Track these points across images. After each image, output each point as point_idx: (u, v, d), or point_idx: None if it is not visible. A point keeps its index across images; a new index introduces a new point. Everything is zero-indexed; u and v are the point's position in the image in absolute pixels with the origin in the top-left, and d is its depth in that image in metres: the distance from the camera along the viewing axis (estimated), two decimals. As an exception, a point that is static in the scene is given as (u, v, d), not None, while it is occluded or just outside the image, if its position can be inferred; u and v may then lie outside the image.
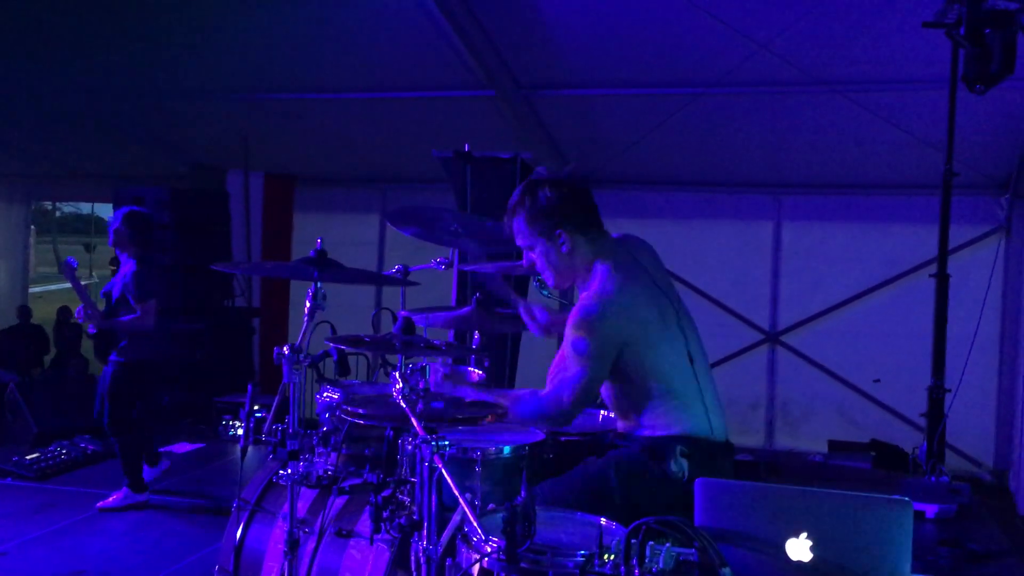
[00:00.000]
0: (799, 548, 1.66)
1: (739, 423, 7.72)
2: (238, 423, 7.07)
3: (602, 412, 3.22)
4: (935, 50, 5.59)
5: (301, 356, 2.46)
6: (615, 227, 2.97)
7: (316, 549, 2.77)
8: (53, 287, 21.34)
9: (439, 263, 3.26)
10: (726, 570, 1.63)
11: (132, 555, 4.86)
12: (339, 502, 2.83)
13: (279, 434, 2.52)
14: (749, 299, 7.76)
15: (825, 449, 7.21)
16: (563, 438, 2.92)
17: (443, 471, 1.99)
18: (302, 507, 2.85)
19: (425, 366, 2.31)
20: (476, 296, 3.11)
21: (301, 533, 2.66)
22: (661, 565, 1.73)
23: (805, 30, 5.94)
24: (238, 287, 8.44)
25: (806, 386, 7.70)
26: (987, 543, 4.95)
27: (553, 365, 2.92)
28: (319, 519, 2.81)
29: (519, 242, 2.85)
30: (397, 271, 3.27)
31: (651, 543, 1.79)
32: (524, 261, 2.90)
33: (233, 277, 8.26)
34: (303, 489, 2.75)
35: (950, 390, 5.74)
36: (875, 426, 7.27)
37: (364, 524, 2.75)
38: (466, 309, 3.15)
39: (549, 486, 2.61)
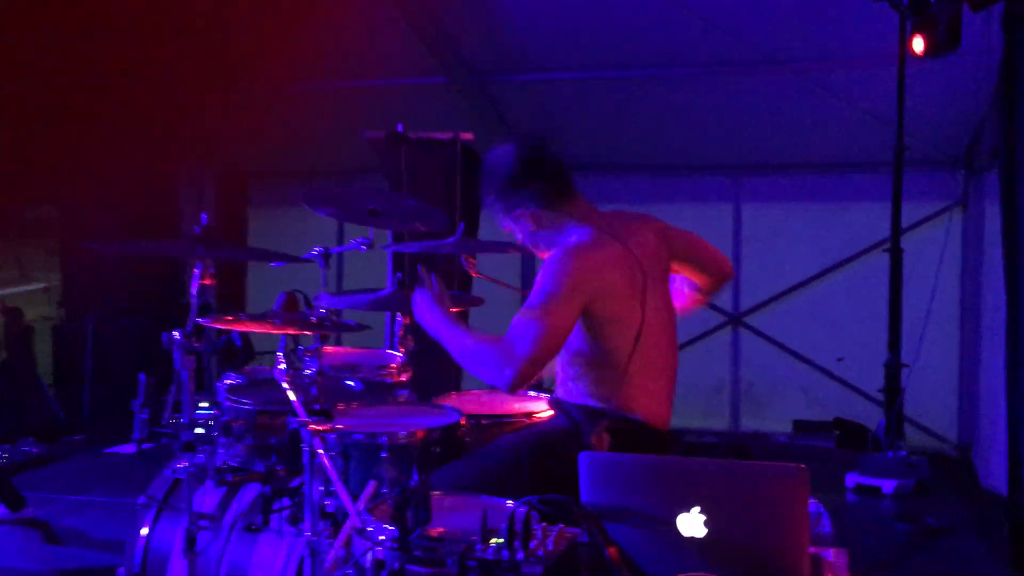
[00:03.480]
0: (692, 523, 1.55)
1: (704, 406, 7.65)
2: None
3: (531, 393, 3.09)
4: (886, 26, 5.54)
5: (194, 341, 2.32)
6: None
7: (225, 545, 2.64)
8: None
9: (359, 243, 3.12)
10: (611, 550, 1.52)
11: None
12: (248, 496, 2.70)
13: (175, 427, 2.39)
14: (710, 282, 7.67)
15: (790, 429, 7.18)
16: (485, 420, 2.79)
17: (323, 457, 1.86)
18: (211, 502, 2.72)
19: (319, 348, 2.18)
20: (397, 277, 2.97)
21: (203, 529, 2.52)
22: (550, 548, 1.61)
23: (757, 8, 5.88)
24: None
25: (770, 367, 7.62)
26: (946, 518, 4.88)
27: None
28: (229, 513, 2.68)
29: (494, 212, 2.77)
30: (317, 252, 3.13)
31: (543, 524, 1.68)
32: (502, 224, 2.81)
33: (182, 272, 8.07)
34: (210, 483, 2.62)
35: (908, 365, 5.67)
36: (839, 404, 7.22)
37: (274, 519, 2.62)
38: (386, 291, 3.02)
39: (457, 467, 2.47)
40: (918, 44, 5.11)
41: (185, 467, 2.41)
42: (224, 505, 2.73)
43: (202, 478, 2.40)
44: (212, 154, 8.34)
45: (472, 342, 2.49)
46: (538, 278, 2.51)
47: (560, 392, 2.75)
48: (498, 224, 2.80)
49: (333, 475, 1.84)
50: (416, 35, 6.34)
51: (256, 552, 2.63)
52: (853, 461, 5.61)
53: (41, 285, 10.70)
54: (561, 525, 1.69)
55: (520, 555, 1.60)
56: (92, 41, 6.56)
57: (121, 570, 2.79)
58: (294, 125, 7.75)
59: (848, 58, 6.19)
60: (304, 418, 1.93)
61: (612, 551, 1.51)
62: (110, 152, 8.71)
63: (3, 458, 6.14)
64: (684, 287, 3.05)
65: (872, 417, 6.56)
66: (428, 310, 2.61)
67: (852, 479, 5.47)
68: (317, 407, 2.09)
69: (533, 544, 1.63)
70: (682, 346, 7.60)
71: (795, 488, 1.53)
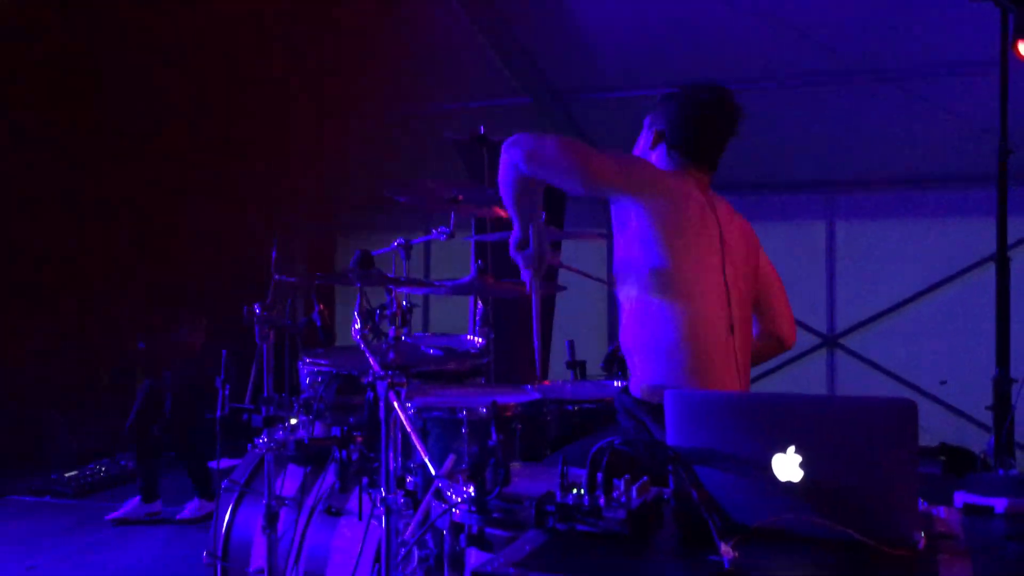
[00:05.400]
0: (787, 465, 1.43)
1: (798, 433, 7.38)
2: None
3: (616, 383, 2.99)
4: (985, 30, 5.32)
5: (274, 315, 2.30)
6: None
7: (306, 528, 2.60)
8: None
9: (440, 232, 3.09)
10: (700, 493, 1.42)
11: (160, 569, 4.76)
12: (329, 480, 2.66)
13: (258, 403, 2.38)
14: (804, 302, 7.42)
15: (891, 456, 6.84)
16: (569, 406, 2.70)
17: (399, 411, 1.81)
18: (291, 485, 2.69)
19: (398, 311, 2.13)
20: (477, 264, 2.93)
21: (284, 509, 2.49)
22: (634, 496, 1.52)
23: (845, 18, 5.73)
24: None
25: (868, 390, 7.31)
26: (1062, 539, 4.55)
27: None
28: (310, 496, 2.65)
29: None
30: (397, 244, 3.11)
31: (627, 476, 1.58)
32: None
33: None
34: (292, 467, 2.60)
35: (1017, 380, 5.36)
36: (944, 429, 6.85)
37: (355, 502, 2.57)
38: (467, 278, 2.98)
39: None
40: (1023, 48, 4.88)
41: (265, 443, 2.39)
42: (305, 488, 2.70)
43: (282, 452, 2.37)
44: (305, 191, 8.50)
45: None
46: None
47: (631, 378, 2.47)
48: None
49: (411, 431, 1.78)
50: (500, 58, 6.38)
51: (336, 535, 2.59)
52: (962, 481, 5.30)
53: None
54: (646, 478, 1.59)
55: (602, 501, 1.51)
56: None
57: (205, 553, 2.78)
58: (382, 150, 7.86)
59: (946, 66, 5.97)
60: (378, 371, 1.88)
61: (701, 495, 1.41)
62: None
63: (101, 471, 6.30)
64: None
65: (979, 443, 6.22)
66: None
67: (960, 498, 5.17)
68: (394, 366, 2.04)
69: (616, 494, 1.54)
70: (773, 370, 7.44)
71: (902, 426, 1.41)
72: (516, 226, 2.38)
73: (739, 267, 2.53)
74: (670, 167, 2.58)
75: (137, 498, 5.51)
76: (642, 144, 2.68)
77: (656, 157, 2.61)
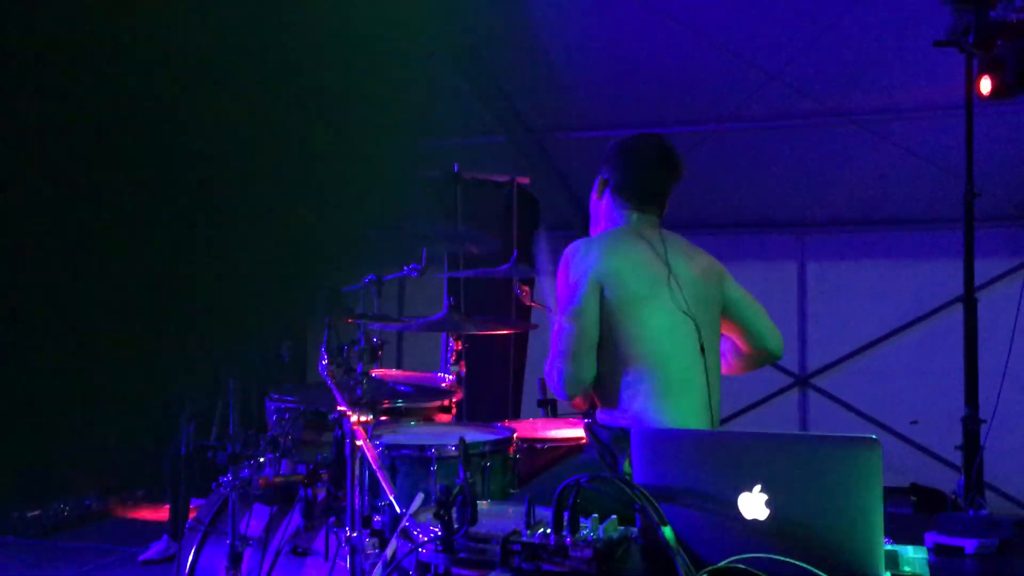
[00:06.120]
0: (753, 504, 1.43)
1: (770, 472, 7.37)
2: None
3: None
4: (950, 74, 5.43)
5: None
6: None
7: (271, 568, 2.56)
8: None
9: (411, 268, 3.08)
10: (666, 529, 1.40)
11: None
12: (296, 519, 2.62)
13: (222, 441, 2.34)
14: (776, 342, 7.47)
15: (863, 496, 6.84)
16: (539, 444, 2.69)
17: (366, 448, 1.79)
18: (257, 525, 2.65)
19: (366, 348, 2.12)
20: (449, 301, 2.93)
21: (250, 549, 2.44)
22: (600, 535, 1.50)
23: (816, 59, 5.83)
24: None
25: (840, 429, 7.32)
26: (1032, 580, 4.57)
27: None
28: (276, 536, 2.60)
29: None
30: (368, 280, 3.10)
31: (594, 515, 1.57)
32: None
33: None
34: (258, 506, 2.56)
35: (985, 420, 5.40)
36: (914, 469, 6.89)
37: (321, 542, 2.54)
38: (438, 315, 2.97)
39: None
40: (985, 85, 4.99)
41: (230, 481, 2.35)
42: (271, 528, 2.65)
43: (248, 490, 2.33)
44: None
45: None
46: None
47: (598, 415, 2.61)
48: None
49: (377, 468, 1.76)
50: (477, 96, 6.43)
51: (302, 575, 2.54)
52: (932, 521, 5.32)
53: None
54: (614, 516, 1.58)
55: (568, 539, 1.49)
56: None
57: (165, 594, 2.73)
58: (356, 185, 7.88)
59: (913, 107, 6.08)
60: (345, 407, 1.86)
61: (667, 533, 1.40)
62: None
63: (65, 510, 6.19)
64: (726, 352, 2.91)
65: (950, 483, 6.24)
66: None
67: (931, 539, 5.18)
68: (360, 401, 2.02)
69: (583, 532, 1.52)
70: (746, 409, 7.43)
71: (867, 464, 1.41)
72: None
73: (700, 294, 2.64)
74: (615, 213, 2.76)
75: (165, 537, 5.38)
76: (592, 197, 2.88)
77: (605, 204, 2.79)
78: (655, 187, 2.77)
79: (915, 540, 5.72)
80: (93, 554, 5.47)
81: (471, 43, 5.98)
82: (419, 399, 2.66)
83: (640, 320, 2.49)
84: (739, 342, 2.84)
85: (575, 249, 2.63)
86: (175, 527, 5.34)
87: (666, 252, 2.63)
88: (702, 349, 2.52)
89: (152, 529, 5.64)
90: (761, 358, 2.89)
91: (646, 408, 2.39)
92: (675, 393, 2.44)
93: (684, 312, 2.54)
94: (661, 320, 2.51)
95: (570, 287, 2.51)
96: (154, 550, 5.37)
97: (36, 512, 6.12)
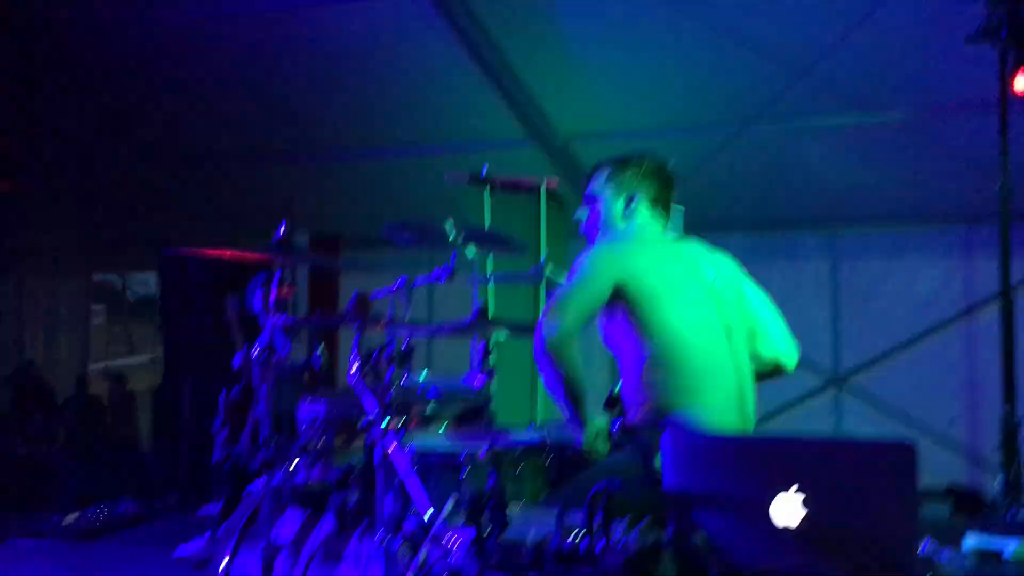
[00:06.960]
0: (787, 509, 1.41)
1: (804, 474, 7.30)
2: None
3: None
4: (984, 71, 5.35)
5: (272, 357, 2.30)
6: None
7: (304, 573, 2.57)
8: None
9: (440, 270, 3.08)
10: (698, 537, 1.39)
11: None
12: (328, 524, 2.63)
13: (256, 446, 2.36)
14: (810, 342, 7.36)
15: (899, 498, 6.75)
16: (571, 447, 2.68)
17: (395, 454, 1.79)
18: (290, 530, 2.66)
19: (396, 354, 2.12)
20: (478, 304, 2.93)
21: (282, 554, 2.46)
22: (632, 540, 1.50)
23: (846, 57, 5.76)
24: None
25: (875, 430, 7.23)
26: (1072, 582, 4.48)
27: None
28: (309, 541, 2.62)
29: (587, 191, 2.99)
30: (399, 282, 3.10)
31: (628, 517, 1.56)
32: (578, 213, 3.02)
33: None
34: (291, 511, 2.57)
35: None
36: (952, 470, 6.80)
37: (353, 547, 2.54)
38: (467, 319, 2.97)
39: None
40: (1020, 82, 4.93)
41: (262, 487, 2.37)
42: (303, 533, 2.67)
43: (279, 498, 2.35)
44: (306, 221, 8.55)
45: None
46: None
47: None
48: (586, 193, 3.00)
49: (406, 473, 1.77)
50: (504, 100, 6.43)
51: (334, 580, 2.55)
52: (970, 524, 5.24)
53: (147, 357, 11.14)
54: (647, 519, 1.57)
55: (599, 546, 1.49)
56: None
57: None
58: (386, 191, 7.91)
59: (945, 105, 5.99)
60: (375, 413, 1.87)
61: (700, 538, 1.39)
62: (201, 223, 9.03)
63: (102, 514, 6.27)
64: None
65: (989, 482, 6.15)
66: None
67: (969, 543, 5.11)
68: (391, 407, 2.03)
69: (615, 537, 1.52)
70: (779, 410, 7.36)
71: (902, 468, 1.39)
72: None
73: (724, 294, 2.72)
74: (636, 224, 2.84)
75: (199, 538, 5.42)
76: (611, 215, 2.89)
77: (627, 220, 2.85)
78: (672, 196, 2.98)
79: (953, 543, 5.66)
80: (129, 558, 5.52)
81: (501, 50, 5.99)
82: (449, 404, 2.67)
83: (667, 318, 2.53)
84: (753, 344, 2.83)
85: (598, 249, 2.71)
86: (212, 530, 5.37)
87: (689, 253, 2.77)
88: (730, 346, 2.58)
89: (186, 533, 5.69)
90: (771, 366, 2.90)
91: (674, 404, 2.41)
92: (703, 389, 2.46)
93: (711, 310, 2.60)
94: (688, 318, 2.55)
95: (583, 270, 2.58)
96: (188, 549, 5.41)
97: (74, 516, 6.22)
